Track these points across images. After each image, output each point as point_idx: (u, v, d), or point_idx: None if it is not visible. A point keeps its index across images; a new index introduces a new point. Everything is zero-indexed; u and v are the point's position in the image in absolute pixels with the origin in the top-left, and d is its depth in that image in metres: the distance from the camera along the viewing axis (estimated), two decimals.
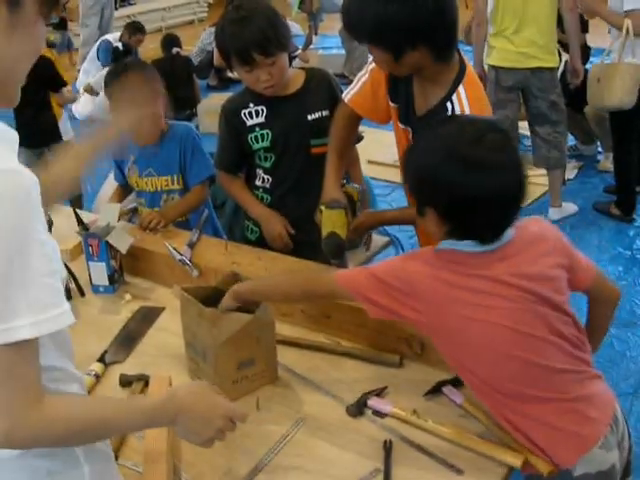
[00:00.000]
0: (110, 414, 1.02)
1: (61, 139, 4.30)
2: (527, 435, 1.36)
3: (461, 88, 1.74)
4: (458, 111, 1.72)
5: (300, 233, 2.20)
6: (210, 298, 1.57)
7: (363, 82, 1.94)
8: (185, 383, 1.38)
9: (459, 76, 1.76)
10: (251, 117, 2.17)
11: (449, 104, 1.73)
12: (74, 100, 4.47)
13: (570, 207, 4.47)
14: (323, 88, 2.18)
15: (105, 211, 2.14)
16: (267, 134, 2.17)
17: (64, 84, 4.28)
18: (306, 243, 2.14)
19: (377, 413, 1.51)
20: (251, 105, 2.17)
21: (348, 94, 1.97)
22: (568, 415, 1.35)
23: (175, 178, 2.41)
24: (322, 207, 1.89)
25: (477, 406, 1.49)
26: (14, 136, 0.96)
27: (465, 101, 1.73)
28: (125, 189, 2.54)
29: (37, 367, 0.90)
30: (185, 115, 6.24)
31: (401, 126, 1.92)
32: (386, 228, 4.11)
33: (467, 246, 1.34)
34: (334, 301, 1.69)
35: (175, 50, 6.47)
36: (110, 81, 2.33)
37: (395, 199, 4.69)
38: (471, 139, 1.33)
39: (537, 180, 4.73)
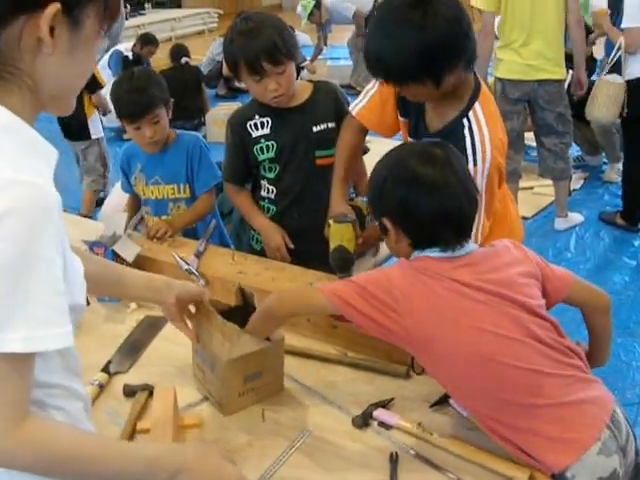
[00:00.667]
0: (100, 453, 0.96)
1: (89, 137, 4.48)
2: (515, 444, 1.35)
3: (477, 104, 1.74)
4: (475, 126, 1.72)
5: (304, 244, 2.20)
6: (224, 314, 1.55)
7: (371, 95, 1.94)
8: (191, 443, 1.31)
9: (475, 92, 1.76)
10: (257, 128, 2.18)
11: (465, 120, 1.73)
12: (107, 105, 4.57)
13: (576, 217, 4.47)
14: (330, 100, 2.19)
15: (111, 220, 2.14)
16: (272, 145, 2.17)
17: (101, 86, 4.40)
18: (310, 254, 2.13)
19: (383, 425, 1.50)
20: (257, 117, 2.18)
21: (356, 107, 1.97)
22: (556, 422, 1.33)
23: (182, 187, 2.42)
24: (330, 221, 1.89)
25: None
26: (52, 151, 0.95)
27: (481, 116, 1.73)
28: (137, 198, 2.55)
29: (27, 384, 0.88)
30: (193, 124, 6.28)
31: (411, 141, 1.91)
32: None
33: (434, 252, 1.39)
34: (323, 315, 1.67)
35: (184, 60, 6.51)
36: (117, 89, 2.35)
37: None
38: (415, 157, 1.41)
39: (543, 190, 4.73)
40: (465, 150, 1.72)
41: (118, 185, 2.75)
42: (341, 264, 1.88)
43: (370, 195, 1.50)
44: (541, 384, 1.34)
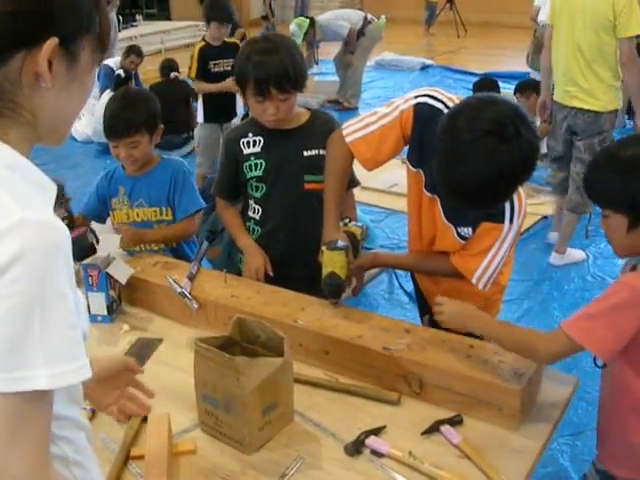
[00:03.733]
0: None
1: None
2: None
3: None
4: None
5: (287, 268, 2.21)
6: (223, 347, 1.54)
7: (371, 132, 1.93)
8: None
9: None
10: (249, 146, 2.22)
11: None
12: None
13: (576, 254, 4.30)
14: (325, 130, 2.19)
15: (105, 241, 2.15)
16: (261, 163, 2.20)
17: None
18: (294, 277, 2.15)
19: (375, 453, 1.52)
20: (250, 135, 2.22)
21: (351, 136, 1.95)
22: None
23: (164, 210, 2.47)
24: (323, 248, 1.91)
25: (473, 447, 1.51)
26: (53, 186, 0.96)
27: None
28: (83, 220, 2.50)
29: (49, 420, 0.88)
30: (182, 138, 6.28)
31: (427, 194, 1.93)
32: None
33: None
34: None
35: (173, 75, 6.48)
36: (108, 104, 2.41)
37: (389, 225, 4.72)
38: None
39: (529, 209, 4.76)
40: (503, 210, 1.78)
41: None
42: (333, 290, 1.91)
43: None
44: None
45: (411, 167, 1.97)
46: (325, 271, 1.89)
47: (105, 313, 2.05)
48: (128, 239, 2.37)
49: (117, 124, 2.34)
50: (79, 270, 1.99)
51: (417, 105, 1.88)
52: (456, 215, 1.89)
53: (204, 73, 4.80)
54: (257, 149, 2.21)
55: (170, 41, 11.28)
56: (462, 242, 1.92)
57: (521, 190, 1.81)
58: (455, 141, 1.62)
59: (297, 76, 2.08)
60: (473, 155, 1.58)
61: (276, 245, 2.25)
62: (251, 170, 2.21)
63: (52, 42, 0.87)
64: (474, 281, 1.90)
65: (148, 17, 12.34)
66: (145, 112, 2.38)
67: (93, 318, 2.05)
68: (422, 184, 1.94)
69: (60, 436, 0.99)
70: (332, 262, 1.88)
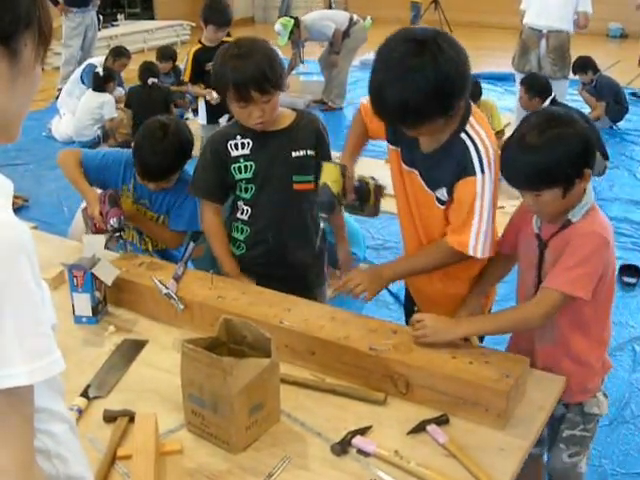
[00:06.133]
0: None
1: None
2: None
3: (472, 119, 1.85)
4: (476, 138, 1.83)
5: (275, 267, 2.22)
6: (210, 348, 1.55)
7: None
8: None
9: (467, 111, 1.86)
10: (237, 148, 2.20)
11: (464, 135, 1.83)
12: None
13: None
14: (311, 129, 2.21)
15: (90, 242, 2.14)
16: (250, 166, 2.19)
17: None
18: (281, 278, 2.16)
19: (361, 452, 1.53)
20: (238, 137, 2.20)
21: (364, 98, 2.01)
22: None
23: (161, 217, 2.52)
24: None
25: (460, 446, 1.52)
26: (8, 184, 0.96)
27: (480, 129, 1.85)
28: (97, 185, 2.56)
29: (32, 415, 0.88)
30: None
31: (406, 168, 1.97)
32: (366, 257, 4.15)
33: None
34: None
35: (150, 81, 6.30)
36: (143, 142, 2.45)
37: (374, 225, 4.71)
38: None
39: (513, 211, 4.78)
40: (471, 160, 1.82)
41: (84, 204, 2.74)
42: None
43: (577, 152, 1.66)
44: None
45: (391, 146, 2.02)
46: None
47: (90, 314, 2.04)
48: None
49: (155, 173, 2.44)
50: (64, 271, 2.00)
51: None
52: (431, 179, 1.93)
53: (201, 75, 4.76)
54: (246, 151, 2.20)
55: (153, 40, 11.20)
56: (442, 207, 1.93)
57: (485, 137, 1.84)
58: (382, 52, 1.73)
59: (276, 76, 2.08)
60: (391, 59, 1.70)
61: (264, 245, 2.25)
62: (240, 172, 2.20)
63: None
64: (471, 252, 1.87)
65: (131, 17, 12.25)
66: (183, 153, 2.46)
67: (78, 319, 2.04)
68: (400, 160, 1.99)
69: (41, 429, 0.99)
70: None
